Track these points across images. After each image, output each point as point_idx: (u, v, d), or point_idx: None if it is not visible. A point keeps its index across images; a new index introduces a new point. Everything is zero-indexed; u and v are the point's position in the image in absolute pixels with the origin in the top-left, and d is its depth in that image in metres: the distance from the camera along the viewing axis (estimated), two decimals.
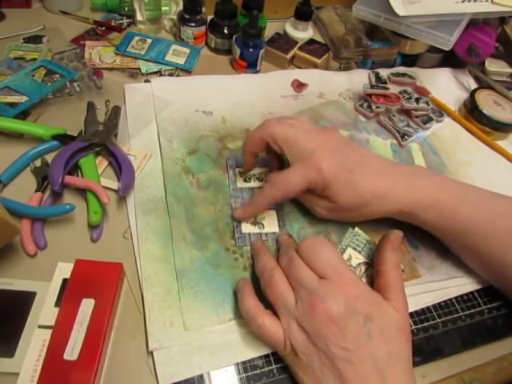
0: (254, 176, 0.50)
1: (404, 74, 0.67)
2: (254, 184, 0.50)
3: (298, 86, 0.63)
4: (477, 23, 0.65)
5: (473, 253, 0.44)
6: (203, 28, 0.66)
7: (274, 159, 0.49)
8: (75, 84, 0.58)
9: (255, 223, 0.46)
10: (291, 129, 0.43)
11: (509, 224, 0.42)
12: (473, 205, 0.43)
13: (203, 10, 0.67)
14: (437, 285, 0.45)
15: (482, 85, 0.68)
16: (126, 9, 0.70)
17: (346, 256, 0.44)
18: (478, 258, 0.44)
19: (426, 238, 0.49)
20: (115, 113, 0.54)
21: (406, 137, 0.59)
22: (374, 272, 0.40)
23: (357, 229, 0.45)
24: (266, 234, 0.46)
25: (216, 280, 0.42)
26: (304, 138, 0.42)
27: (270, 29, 0.70)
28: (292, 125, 0.44)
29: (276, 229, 0.47)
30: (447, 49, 0.62)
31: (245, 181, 0.50)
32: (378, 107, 0.61)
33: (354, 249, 0.44)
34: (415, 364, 0.40)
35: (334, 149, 0.42)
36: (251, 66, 0.65)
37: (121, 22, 0.70)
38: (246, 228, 0.46)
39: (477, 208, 0.43)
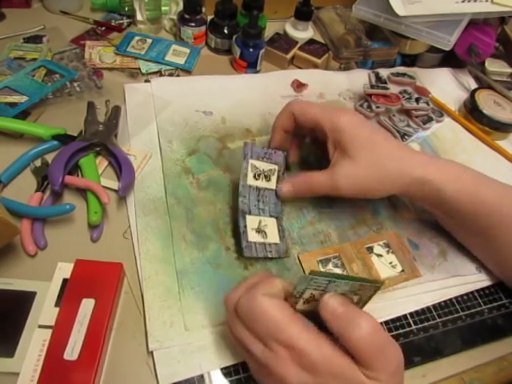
0: (263, 173, 0.48)
1: (404, 74, 0.67)
2: (261, 184, 0.47)
3: (298, 86, 0.63)
4: (477, 23, 0.65)
5: (489, 236, 0.43)
6: (203, 28, 0.66)
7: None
8: (75, 84, 0.58)
9: (259, 231, 0.45)
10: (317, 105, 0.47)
11: None
12: (497, 187, 0.43)
13: (203, 9, 0.67)
14: (437, 284, 0.45)
15: (482, 85, 0.68)
16: (126, 9, 0.70)
17: (307, 295, 0.33)
18: (493, 241, 0.43)
19: (426, 237, 0.49)
20: (115, 113, 0.54)
21: (406, 137, 0.59)
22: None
23: (311, 275, 0.31)
24: (270, 244, 0.45)
25: (216, 280, 0.42)
26: (331, 108, 0.46)
27: (270, 29, 0.70)
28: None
29: (277, 240, 0.45)
30: (447, 49, 0.62)
31: (254, 178, 0.47)
32: (378, 107, 0.61)
33: (316, 289, 0.32)
34: (415, 364, 0.40)
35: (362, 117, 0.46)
36: (251, 66, 0.65)
37: (121, 22, 0.70)
38: (252, 237, 0.44)
39: (502, 189, 0.42)
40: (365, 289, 0.32)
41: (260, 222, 0.45)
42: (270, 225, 0.46)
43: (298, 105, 0.47)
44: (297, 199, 0.49)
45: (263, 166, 0.48)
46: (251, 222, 0.45)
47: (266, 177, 0.48)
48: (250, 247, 0.43)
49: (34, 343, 0.36)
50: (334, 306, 0.30)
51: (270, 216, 0.47)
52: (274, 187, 0.48)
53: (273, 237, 0.45)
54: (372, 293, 0.33)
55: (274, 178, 0.48)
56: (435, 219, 0.48)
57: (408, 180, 0.42)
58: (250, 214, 0.45)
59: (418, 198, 0.44)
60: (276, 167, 0.49)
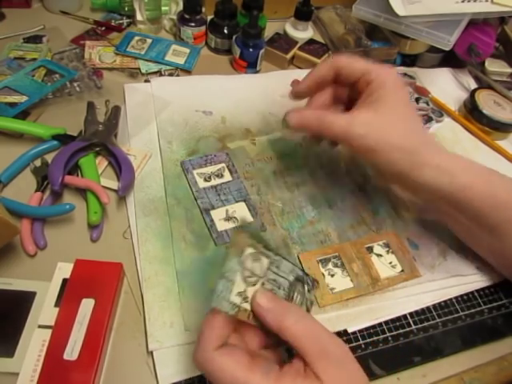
0: (213, 174, 0.50)
1: (404, 74, 0.67)
2: (215, 182, 0.50)
3: None
4: (477, 23, 0.65)
5: (499, 232, 0.41)
6: (203, 28, 0.66)
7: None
8: (75, 84, 0.58)
9: (229, 219, 0.47)
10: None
11: None
12: (510, 181, 0.42)
13: (203, 10, 0.67)
14: (437, 284, 0.45)
15: (482, 85, 0.68)
16: (126, 9, 0.70)
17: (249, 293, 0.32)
18: (502, 236, 0.42)
19: (426, 237, 0.49)
20: (115, 113, 0.54)
21: None
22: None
23: (249, 250, 0.33)
24: (242, 226, 0.47)
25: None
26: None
27: (270, 29, 0.70)
28: None
29: (250, 219, 0.47)
30: (447, 49, 0.62)
31: (205, 180, 0.50)
32: None
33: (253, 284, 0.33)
34: (415, 364, 0.40)
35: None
36: (251, 66, 0.65)
37: (121, 22, 0.70)
38: (221, 225, 0.46)
39: None
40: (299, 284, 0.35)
41: (227, 210, 0.47)
42: (239, 209, 0.48)
43: (345, 57, 0.44)
44: (297, 135, 0.48)
45: (209, 169, 0.51)
46: (217, 214, 0.47)
47: (217, 175, 0.50)
48: (222, 236, 0.45)
49: (33, 343, 0.36)
50: (264, 301, 0.31)
51: (237, 202, 0.48)
52: (230, 179, 0.50)
53: (244, 218, 0.47)
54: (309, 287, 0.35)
55: (226, 173, 0.50)
56: (437, 217, 0.48)
57: (422, 159, 0.40)
58: (213, 208, 0.47)
59: (429, 185, 0.41)
60: (223, 165, 0.52)
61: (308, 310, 0.37)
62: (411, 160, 0.40)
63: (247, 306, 0.32)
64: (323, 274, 0.44)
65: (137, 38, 0.66)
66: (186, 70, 0.64)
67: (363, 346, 0.41)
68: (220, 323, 0.31)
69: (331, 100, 0.47)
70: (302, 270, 0.37)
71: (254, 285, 0.33)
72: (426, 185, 0.41)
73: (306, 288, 0.37)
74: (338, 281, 0.44)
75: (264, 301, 0.31)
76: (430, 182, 0.41)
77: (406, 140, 0.40)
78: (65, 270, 0.40)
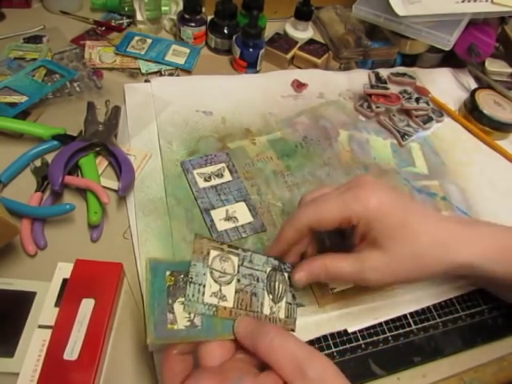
0: (213, 174, 0.50)
1: (404, 74, 0.67)
2: (215, 182, 0.50)
3: (298, 86, 0.63)
4: (477, 23, 0.65)
5: None
6: (203, 28, 0.66)
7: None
8: (75, 84, 0.58)
9: (229, 218, 0.47)
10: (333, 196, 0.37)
11: None
12: None
13: (203, 9, 0.67)
14: (437, 284, 0.45)
15: (482, 85, 0.68)
16: (126, 9, 0.70)
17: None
18: None
19: None
20: (115, 113, 0.54)
21: (406, 137, 0.59)
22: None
23: (214, 253, 0.35)
24: (243, 225, 0.47)
25: None
26: (351, 193, 0.36)
27: (270, 29, 0.70)
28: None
29: (250, 218, 0.47)
30: (447, 49, 0.62)
31: (205, 180, 0.50)
32: (378, 107, 0.61)
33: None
34: (415, 364, 0.40)
35: (385, 186, 0.37)
36: (251, 65, 0.65)
37: (121, 22, 0.70)
38: (221, 225, 0.46)
39: None
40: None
41: (227, 210, 0.48)
42: (239, 209, 0.48)
43: (311, 213, 0.36)
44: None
45: (209, 169, 0.51)
46: (217, 214, 0.47)
47: (217, 175, 0.50)
48: (222, 236, 0.45)
49: (33, 343, 0.36)
50: (242, 327, 0.31)
51: (237, 201, 0.48)
52: (230, 179, 0.50)
53: (245, 218, 0.47)
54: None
55: (226, 173, 0.51)
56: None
57: (453, 265, 0.36)
58: (214, 208, 0.47)
59: (467, 277, 0.42)
60: (223, 164, 0.52)
61: (294, 297, 0.38)
62: (440, 271, 0.37)
63: (226, 303, 0.33)
64: None
65: (137, 38, 0.66)
66: (186, 70, 0.64)
67: (363, 345, 0.41)
68: (177, 360, 0.30)
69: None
70: (277, 259, 0.38)
71: (229, 283, 0.34)
72: (462, 277, 0.42)
73: (286, 275, 0.39)
74: None
75: (242, 327, 0.32)
76: (465, 275, 0.39)
77: (429, 261, 0.36)
78: (65, 269, 0.40)
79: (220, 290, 0.34)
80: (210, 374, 0.29)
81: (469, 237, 0.37)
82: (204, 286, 0.33)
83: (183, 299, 0.32)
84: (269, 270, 0.37)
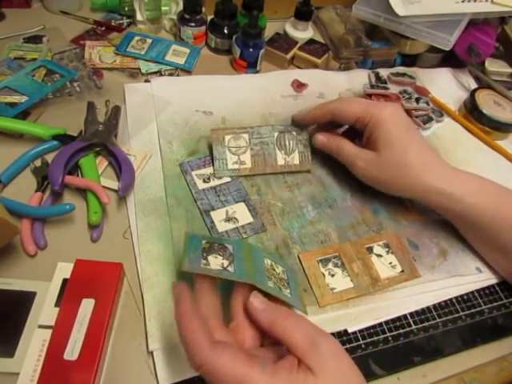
0: (212, 175, 0.50)
1: (404, 74, 0.67)
2: (214, 183, 0.50)
3: (298, 86, 0.63)
4: (477, 23, 0.64)
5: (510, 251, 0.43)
6: (203, 28, 0.66)
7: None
8: (75, 84, 0.57)
9: (229, 219, 0.47)
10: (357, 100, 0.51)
11: None
12: None
13: (203, 10, 0.67)
14: (437, 284, 0.45)
15: (482, 85, 0.68)
16: (126, 9, 0.70)
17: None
18: None
19: (426, 237, 0.49)
20: (115, 113, 0.54)
21: None
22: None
23: (229, 136, 0.51)
24: (243, 226, 0.47)
25: None
26: (372, 102, 0.51)
27: (270, 29, 0.70)
28: None
29: (250, 219, 0.47)
30: (447, 49, 0.62)
31: (204, 182, 0.50)
32: None
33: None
34: (415, 364, 0.40)
35: (403, 112, 0.47)
36: (251, 66, 0.65)
37: (121, 22, 0.70)
38: (222, 227, 0.46)
39: None
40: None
41: (227, 211, 0.47)
42: (239, 209, 0.48)
43: (338, 105, 0.48)
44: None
45: (208, 170, 0.51)
46: (217, 215, 0.47)
47: (216, 177, 0.50)
48: (223, 237, 0.46)
49: (33, 343, 0.36)
50: (256, 302, 0.33)
51: (236, 202, 0.48)
52: (229, 180, 0.50)
53: (245, 218, 0.47)
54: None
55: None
56: (452, 224, 0.48)
57: (427, 188, 0.43)
58: (213, 209, 0.47)
59: (437, 207, 0.45)
60: None
61: (305, 147, 0.51)
62: (415, 189, 0.44)
63: (246, 166, 0.50)
64: (323, 274, 0.44)
65: (137, 37, 0.66)
66: (186, 70, 0.64)
67: (363, 345, 0.41)
68: (199, 322, 0.31)
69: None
70: (283, 125, 0.51)
71: (245, 152, 0.50)
72: (437, 208, 0.45)
73: (295, 133, 0.52)
74: (339, 281, 0.44)
75: (256, 301, 0.33)
76: (438, 205, 0.45)
77: (406, 172, 0.44)
78: (65, 269, 0.40)
79: (239, 158, 0.49)
80: (237, 347, 0.31)
81: (448, 170, 0.44)
82: (226, 160, 0.49)
83: (217, 255, 0.36)
84: (276, 134, 0.51)
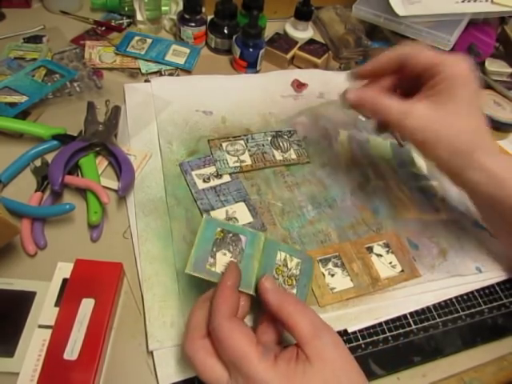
0: (211, 175, 0.50)
1: None
2: (214, 183, 0.50)
3: (298, 85, 0.63)
4: (477, 23, 0.65)
5: None
6: (203, 28, 0.66)
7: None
8: (75, 84, 0.58)
9: (229, 219, 0.47)
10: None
11: None
12: None
13: (203, 10, 0.67)
14: (437, 284, 0.45)
15: (482, 85, 0.68)
16: (126, 9, 0.70)
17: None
18: None
19: (426, 237, 0.49)
20: (115, 113, 0.54)
21: None
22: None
23: (226, 143, 0.53)
24: (243, 226, 0.46)
25: None
26: (446, 53, 0.42)
27: (270, 29, 0.70)
28: None
29: (250, 219, 0.47)
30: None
31: (204, 182, 0.50)
32: None
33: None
34: (415, 364, 0.40)
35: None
36: (251, 66, 0.65)
37: (121, 22, 0.70)
38: None
39: None
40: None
41: (227, 211, 0.47)
42: (239, 209, 0.48)
43: (408, 51, 0.42)
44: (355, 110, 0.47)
45: (208, 170, 0.51)
46: (217, 215, 0.47)
47: (216, 176, 0.50)
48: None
49: (33, 343, 0.36)
50: (268, 283, 0.35)
51: (236, 202, 0.48)
52: (229, 179, 0.50)
53: (245, 218, 0.47)
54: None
55: (225, 175, 0.51)
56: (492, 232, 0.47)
57: (473, 163, 0.39)
58: (213, 209, 0.47)
59: (473, 188, 0.41)
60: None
61: (300, 145, 0.53)
62: (462, 162, 0.40)
63: (246, 163, 0.51)
64: (323, 274, 0.44)
65: (137, 37, 0.66)
66: (186, 70, 0.64)
67: (363, 345, 0.41)
68: (233, 295, 0.34)
69: (391, 87, 0.45)
70: (274, 131, 0.53)
71: (243, 153, 0.52)
72: (477, 189, 0.41)
73: (286, 136, 0.55)
74: (338, 280, 0.44)
75: (268, 283, 0.35)
76: (480, 186, 0.40)
77: (461, 140, 0.39)
78: (65, 269, 0.40)
79: (238, 158, 0.51)
80: (250, 328, 0.33)
81: (509, 158, 0.41)
82: (226, 160, 0.51)
83: (226, 251, 0.37)
84: (270, 138, 0.54)
